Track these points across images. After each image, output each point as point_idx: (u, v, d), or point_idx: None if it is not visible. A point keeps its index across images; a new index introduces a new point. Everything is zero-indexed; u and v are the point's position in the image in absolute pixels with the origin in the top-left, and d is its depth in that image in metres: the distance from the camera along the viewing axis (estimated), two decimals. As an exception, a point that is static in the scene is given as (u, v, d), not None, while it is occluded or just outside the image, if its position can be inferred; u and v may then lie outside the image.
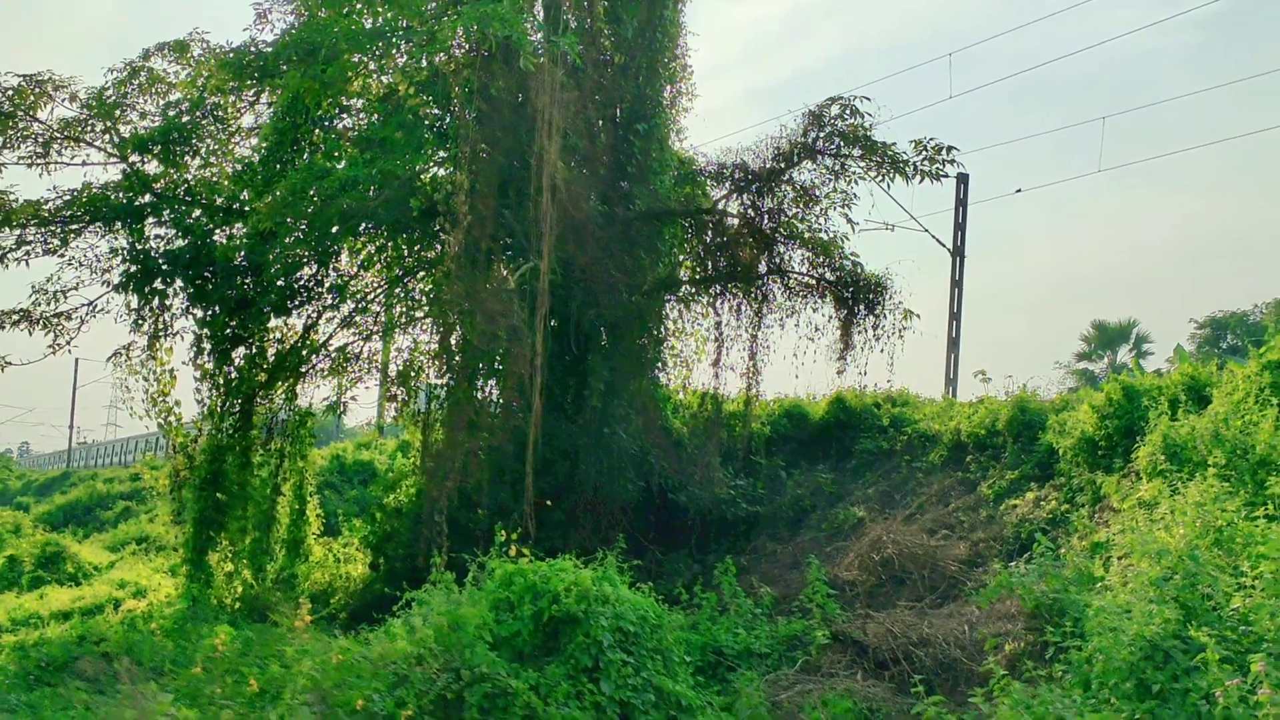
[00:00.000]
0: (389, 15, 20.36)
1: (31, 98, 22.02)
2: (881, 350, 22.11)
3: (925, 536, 18.19)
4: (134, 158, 22.46)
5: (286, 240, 20.78)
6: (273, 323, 23.44)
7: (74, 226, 22.53)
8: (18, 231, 22.10)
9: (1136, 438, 16.75)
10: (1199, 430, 15.26)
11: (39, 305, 22.71)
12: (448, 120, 21.55)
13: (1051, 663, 11.62)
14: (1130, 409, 17.68)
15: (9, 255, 22.14)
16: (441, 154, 21.43)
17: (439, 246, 22.09)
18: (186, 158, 22.88)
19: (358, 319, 24.26)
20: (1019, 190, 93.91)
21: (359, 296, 24.09)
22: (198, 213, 22.96)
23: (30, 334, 22.70)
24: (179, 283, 23.00)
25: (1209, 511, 11.74)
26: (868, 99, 21.60)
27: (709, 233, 23.16)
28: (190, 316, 23.18)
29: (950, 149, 21.37)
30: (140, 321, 23.00)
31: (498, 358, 19.95)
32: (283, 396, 24.20)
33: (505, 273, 20.35)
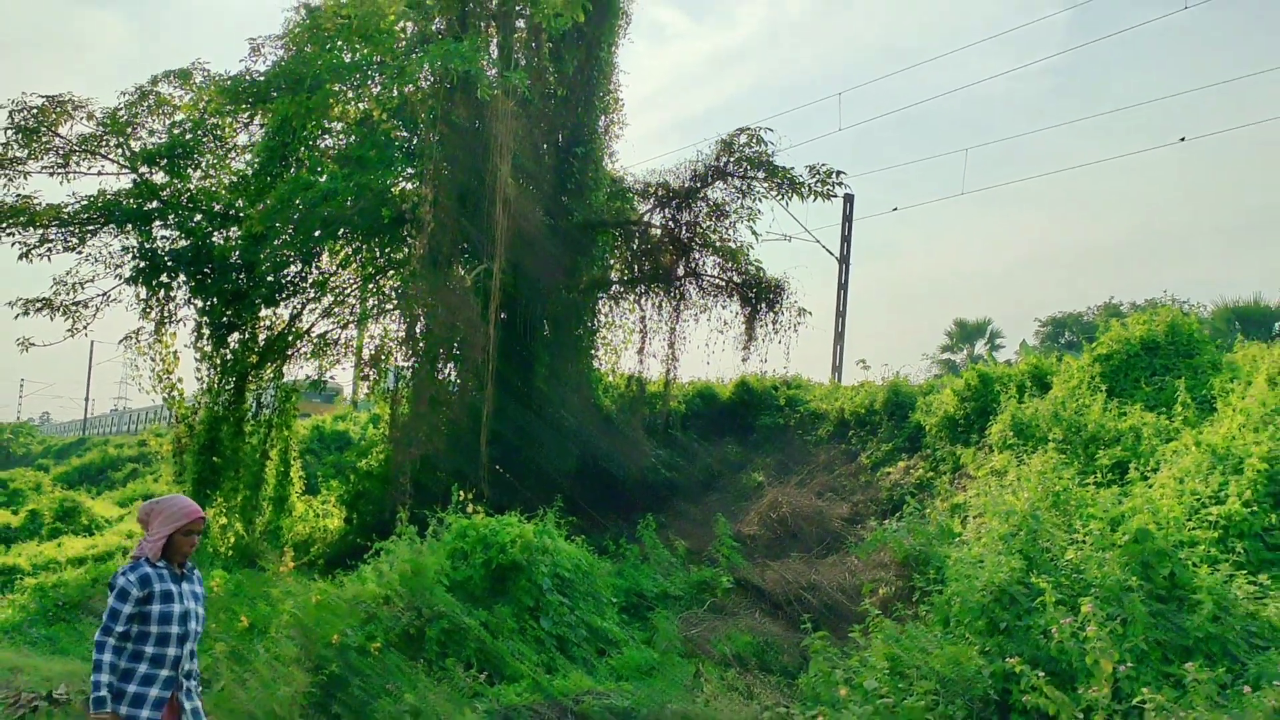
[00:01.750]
0: (365, 51, 20.28)
1: (53, 116, 21.81)
2: (779, 342, 22.38)
3: (814, 498, 18.33)
4: (143, 169, 22.26)
5: (275, 242, 20.67)
6: (263, 312, 23.18)
7: (90, 227, 22.28)
8: (41, 231, 21.93)
9: (989, 417, 16.98)
10: (1041, 411, 15.48)
11: (59, 295, 22.53)
12: (415, 141, 21.41)
13: (918, 604, 11.75)
14: (985, 393, 17.91)
15: (33, 251, 21.97)
16: (409, 170, 21.31)
17: (406, 249, 22.00)
18: (189, 170, 22.70)
19: (336, 310, 24.07)
20: (895, 209, 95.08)
21: (337, 291, 23.90)
22: (199, 217, 22.71)
23: (51, 319, 22.67)
24: (182, 277, 22.76)
25: (1049, 479, 11.83)
26: (770, 130, 21.82)
27: (635, 241, 23.18)
28: (191, 306, 22.96)
29: (838, 173, 21.68)
30: (148, 310, 22.79)
31: (456, 345, 19.85)
32: (271, 375, 23.97)
33: (463, 273, 20.28)
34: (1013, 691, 8.01)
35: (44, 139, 21.86)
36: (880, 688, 8.61)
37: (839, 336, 28.47)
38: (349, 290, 23.99)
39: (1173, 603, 8.75)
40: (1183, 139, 45.02)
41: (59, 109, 21.86)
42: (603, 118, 22.94)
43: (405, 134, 21.72)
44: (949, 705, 8.46)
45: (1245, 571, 9.61)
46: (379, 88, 20.99)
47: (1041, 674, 7.48)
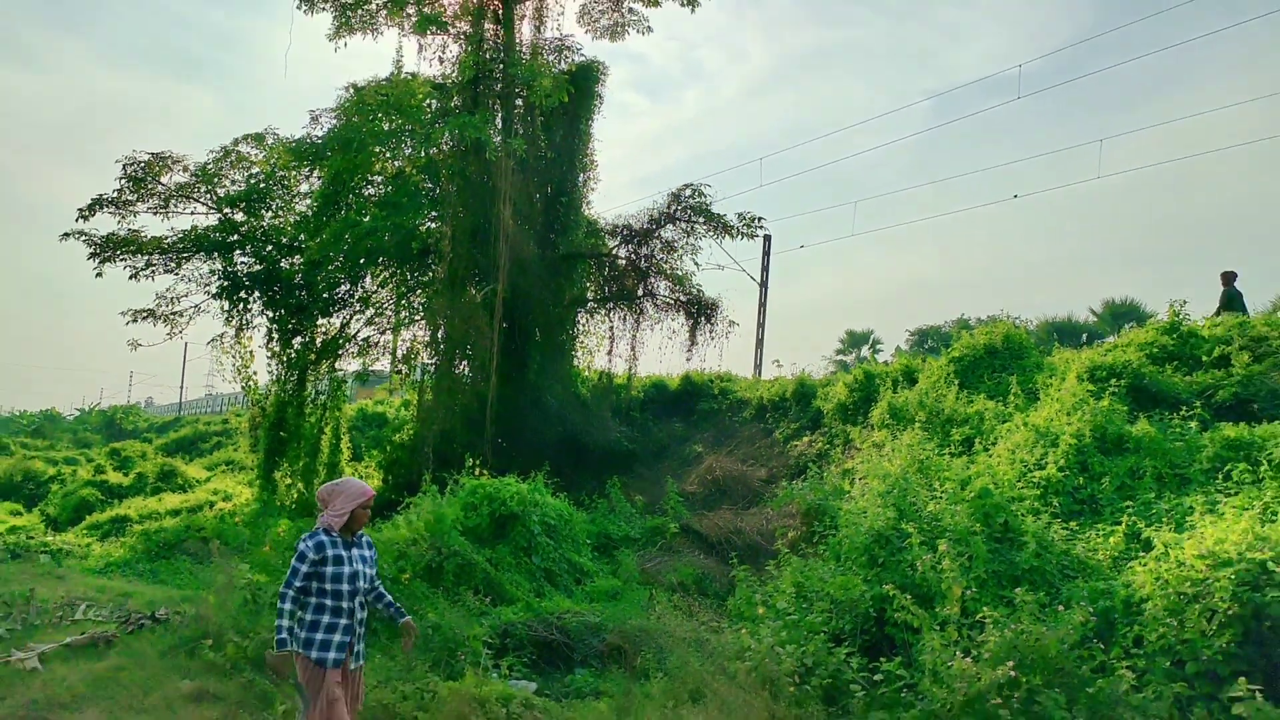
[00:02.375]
0: (400, 121, 20.19)
1: (156, 168, 21.58)
2: (715, 346, 22.79)
3: (740, 464, 18.41)
4: (226, 210, 22.08)
5: (329, 268, 20.58)
6: (320, 321, 23.01)
7: (185, 255, 22.08)
8: (146, 258, 21.66)
9: (872, 404, 17.06)
10: (910, 400, 15.57)
11: (160, 307, 22.34)
12: (437, 191, 21.32)
13: (817, 545, 11.79)
14: (868, 385, 18.01)
15: (140, 273, 21.68)
16: (433, 213, 21.22)
17: (430, 274, 21.90)
18: (262, 211, 22.53)
19: (376, 320, 23.85)
20: (802, 246, 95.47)
21: (377, 305, 23.70)
22: (270, 248, 22.51)
23: (154, 325, 22.40)
24: (256, 294, 22.57)
25: (915, 450, 11.94)
26: (709, 186, 21.95)
27: (606, 269, 23.19)
28: (264, 316, 22.77)
29: (760, 219, 21.95)
30: (230, 319, 22.61)
31: (469, 347, 19.82)
32: (326, 370, 23.77)
33: (474, 292, 20.22)
34: (887, 610, 8.06)
35: (149, 186, 21.59)
36: (789, 608, 8.68)
37: (759, 342, 28.60)
38: (386, 304, 23.82)
39: (1006, 543, 8.84)
40: (1016, 196, 45.50)
41: (161, 163, 21.62)
42: (582, 174, 22.92)
43: (430, 185, 21.61)
44: (840, 620, 8.53)
45: (1059, 520, 9.75)
46: (410, 149, 20.91)
47: (909, 597, 7.54)
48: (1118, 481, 10.40)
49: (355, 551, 5.41)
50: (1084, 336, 30.75)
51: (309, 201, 22.36)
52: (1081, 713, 6.23)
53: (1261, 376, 11.60)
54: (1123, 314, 32.45)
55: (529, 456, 19.66)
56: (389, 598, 5.72)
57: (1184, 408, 11.56)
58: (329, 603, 5.23)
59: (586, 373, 23.66)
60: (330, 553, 5.26)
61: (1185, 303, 13.71)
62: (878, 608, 8.39)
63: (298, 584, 5.19)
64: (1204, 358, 12.71)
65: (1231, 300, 15.91)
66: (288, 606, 5.15)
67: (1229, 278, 16.09)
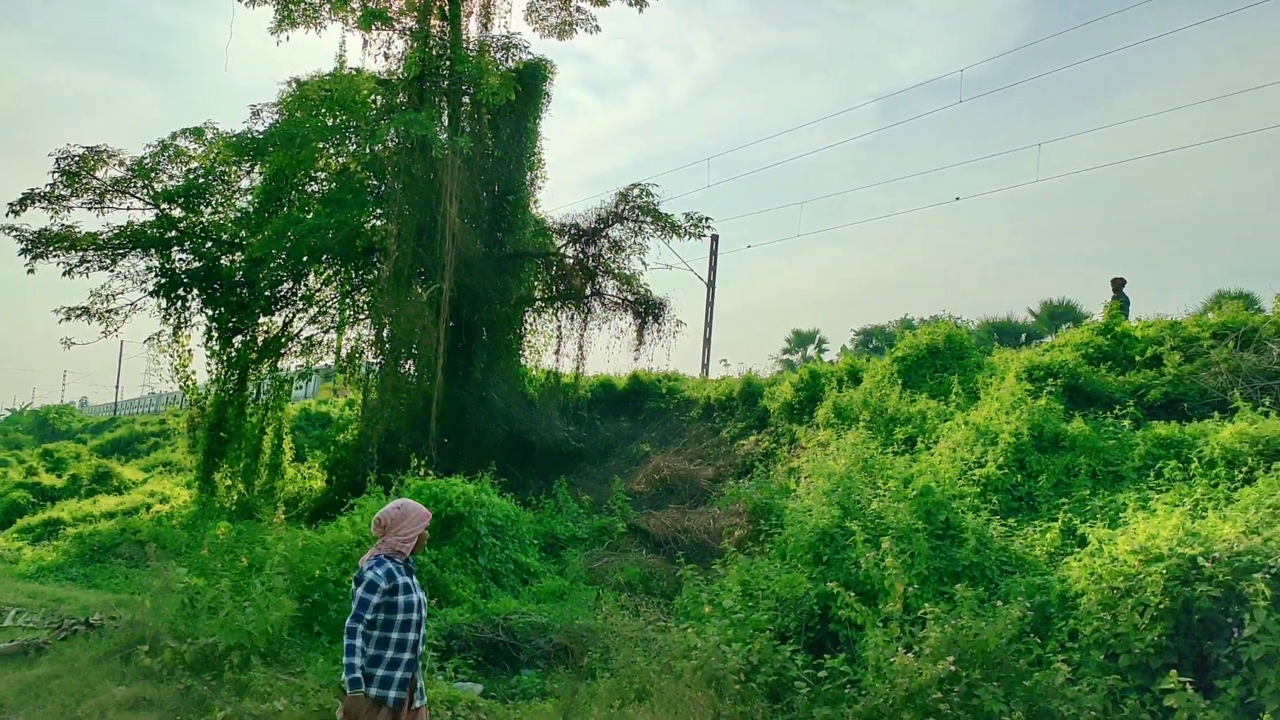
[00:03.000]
0: (344, 117, 19.92)
1: (91, 162, 20.96)
2: (662, 345, 22.88)
3: (687, 463, 18.45)
4: (164, 206, 21.52)
5: (272, 265, 20.21)
6: (261, 320, 22.54)
7: (120, 251, 21.47)
8: (80, 254, 21.05)
9: (817, 403, 17.19)
10: (855, 399, 15.73)
11: (95, 304, 21.65)
12: (383, 188, 21.05)
13: (763, 543, 11.85)
14: (814, 384, 18.14)
15: (74, 270, 21.09)
16: (378, 211, 20.94)
17: (376, 272, 21.61)
18: (201, 207, 21.98)
19: (320, 318, 23.47)
20: (749, 246, 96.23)
21: (321, 303, 23.33)
22: (209, 244, 22.01)
23: (89, 323, 21.72)
24: (195, 291, 22.03)
25: (860, 449, 12.04)
26: (656, 186, 22.06)
27: (553, 268, 23.13)
28: (203, 314, 22.22)
29: (707, 219, 22.07)
30: (168, 317, 22.02)
31: (414, 346, 19.61)
32: (268, 369, 23.34)
33: (420, 290, 20.03)
34: (831, 607, 8.15)
35: (84, 180, 21.00)
36: (735, 606, 8.71)
37: (707, 341, 28.71)
38: (330, 303, 23.47)
39: (947, 540, 9.00)
40: (958, 198, 46.27)
41: (96, 157, 21.03)
42: (529, 173, 22.81)
43: (375, 182, 21.33)
44: (785, 618, 8.60)
45: (998, 516, 9.94)
46: (355, 146, 20.64)
47: (853, 594, 7.63)
48: (1054, 479, 10.64)
49: (414, 578, 5.06)
50: (1023, 337, 31.39)
51: (250, 197, 21.92)
52: (1019, 705, 6.36)
53: (1191, 376, 11.94)
54: (1060, 314, 33.20)
55: (475, 456, 19.52)
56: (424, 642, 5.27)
57: (1117, 407, 11.85)
58: (395, 635, 4.81)
59: (534, 372, 23.56)
60: (400, 580, 4.86)
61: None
62: (822, 605, 8.48)
63: (368, 616, 4.73)
64: (1137, 358, 13.04)
65: (1120, 306, 16.58)
66: (359, 643, 4.69)
67: (1118, 284, 16.93)
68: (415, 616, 4.88)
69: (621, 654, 8.51)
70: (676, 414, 21.84)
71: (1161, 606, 6.59)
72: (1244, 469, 9.10)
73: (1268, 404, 10.53)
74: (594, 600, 11.63)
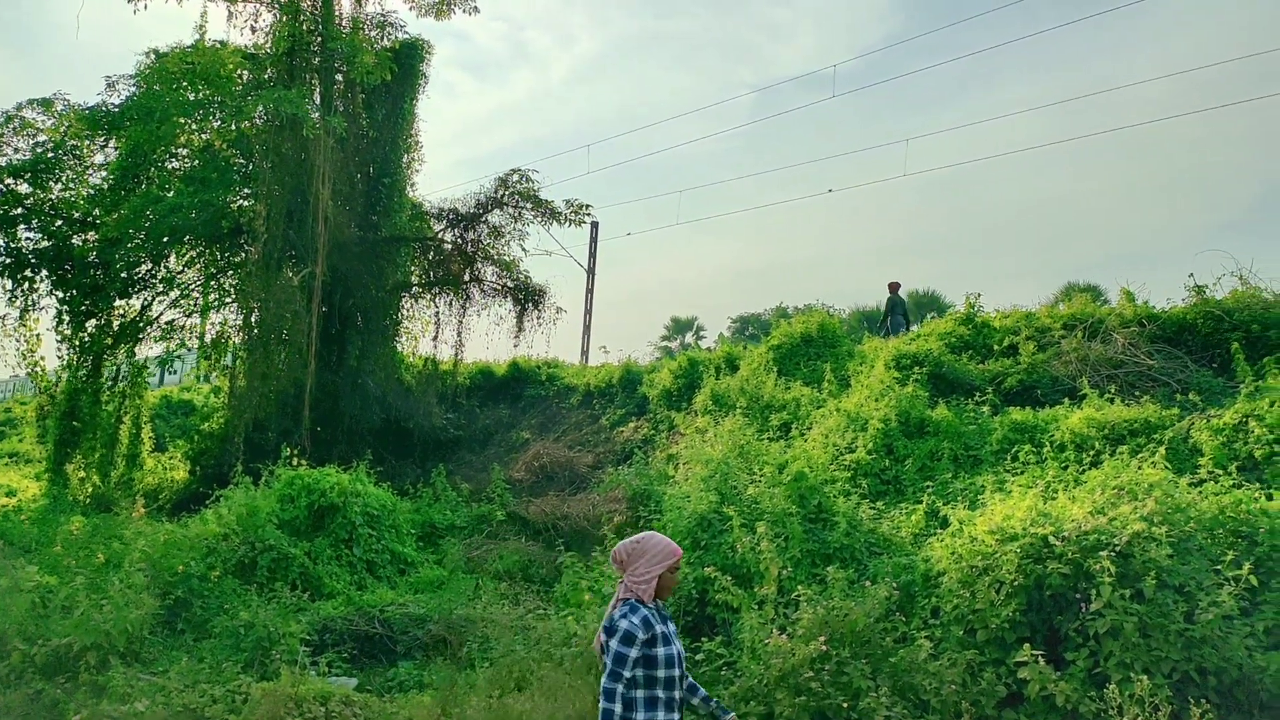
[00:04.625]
0: (207, 92, 19.00)
1: (-74, 131, 19.38)
2: (542, 332, 22.68)
3: (567, 450, 18.43)
4: (9, 180, 20.06)
5: (129, 245, 19.15)
6: (117, 303, 21.35)
7: (-41, 228, 19.97)
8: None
9: (696, 390, 17.39)
10: (732, 386, 15.99)
11: (-70, 285, 20.08)
12: (250, 167, 20.19)
13: (642, 529, 11.92)
14: (692, 371, 18.38)
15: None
16: (246, 190, 20.09)
17: (243, 254, 20.78)
18: (50, 183, 20.57)
19: (182, 302, 22.41)
20: (629, 234, 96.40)
21: (183, 286, 22.27)
22: (59, 223, 20.70)
23: (-77, 305, 20.13)
24: (44, 272, 20.70)
25: (736, 435, 12.20)
26: (537, 171, 21.96)
27: (431, 253, 22.72)
28: (54, 297, 20.92)
29: (587, 206, 22.03)
30: (14, 299, 20.64)
31: (285, 331, 18.94)
32: (124, 354, 22.15)
33: (291, 274, 19.34)
34: (709, 591, 8.30)
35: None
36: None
37: (587, 329, 28.72)
38: (193, 286, 22.42)
39: (819, 523, 9.26)
40: (830, 190, 47.58)
41: (-70, 126, 19.49)
42: (405, 155, 22.30)
43: (242, 160, 20.44)
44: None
45: (868, 500, 10.31)
46: (219, 122, 19.69)
47: (729, 578, 7.79)
48: (919, 463, 11.10)
49: (671, 626, 4.31)
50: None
51: (105, 174, 20.70)
52: (885, 681, 6.63)
53: (1044, 365, 12.63)
54: (925, 304, 34.56)
55: (350, 445, 19.04)
56: (697, 684, 4.57)
57: (977, 394, 12.43)
58: (660, 694, 4.11)
59: (411, 359, 23.12)
60: (657, 629, 4.15)
61: (980, 295, 14.78)
62: (700, 589, 8.62)
63: (627, 674, 4.04)
64: (995, 347, 13.71)
65: (895, 306, 18.52)
66: (618, 709, 4.00)
67: (894, 287, 18.58)
68: (676, 672, 4.17)
69: (501, 643, 8.47)
70: (556, 401, 21.79)
71: (1016, 584, 6.96)
72: (1091, 452, 9.69)
73: (1113, 391, 11.23)
74: (473, 589, 11.52)
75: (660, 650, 4.09)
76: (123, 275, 20.61)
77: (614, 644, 4.04)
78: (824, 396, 14.24)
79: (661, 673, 4.09)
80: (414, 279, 23.05)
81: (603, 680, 4.03)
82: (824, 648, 6.59)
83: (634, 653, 4.04)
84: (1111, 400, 10.80)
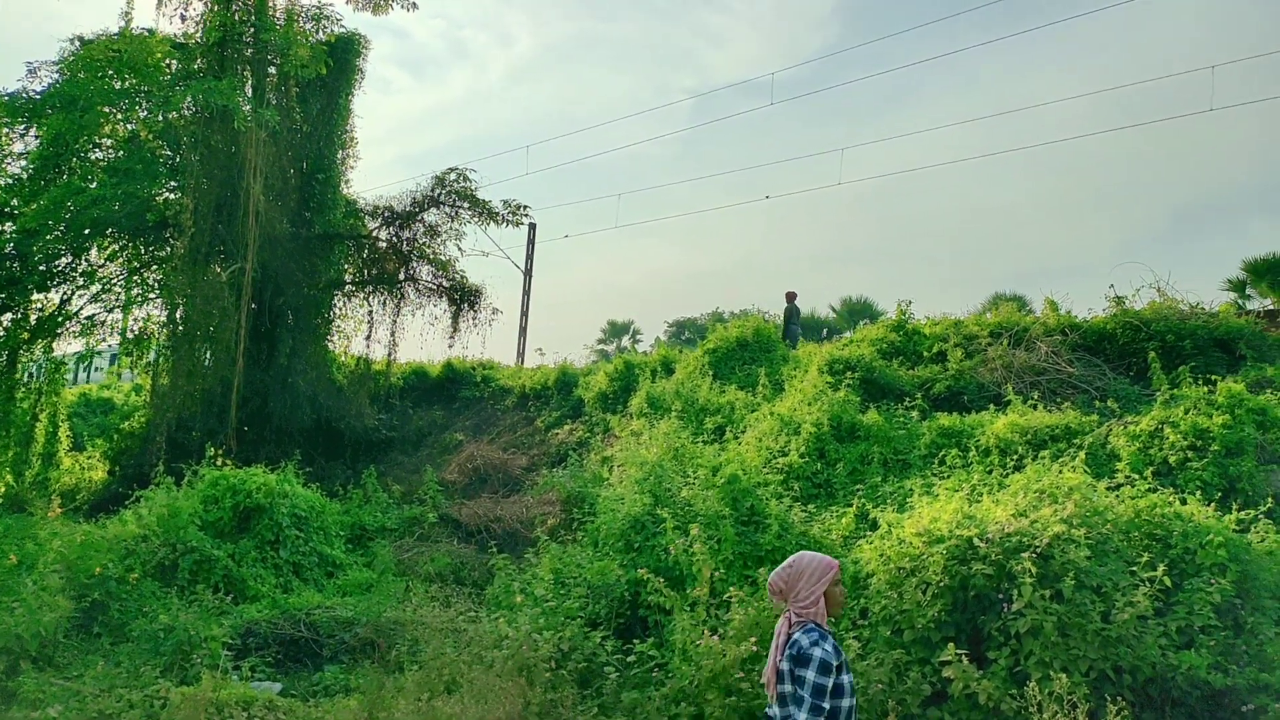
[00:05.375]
0: (134, 81, 18.47)
1: None
2: (478, 333, 22.78)
3: (501, 452, 18.30)
4: (-80, 167, 19.24)
5: (48, 237, 18.50)
6: (35, 296, 20.57)
7: None
8: None
9: (631, 392, 17.40)
10: (667, 389, 16.04)
11: None
12: (178, 159, 19.65)
13: (576, 531, 11.91)
14: (628, 375, 18.39)
15: None
16: (173, 183, 19.57)
17: (169, 249, 20.22)
18: (-35, 170, 19.78)
19: (104, 296, 21.70)
20: (567, 236, 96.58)
21: (105, 280, 21.55)
22: (-27, 212, 19.90)
23: None
24: (-45, 263, 19.87)
25: (671, 438, 12.24)
26: (474, 170, 21.75)
27: (365, 251, 22.42)
28: (-36, 289, 20.08)
29: (525, 207, 22.04)
30: (-77, 291, 19.77)
31: (211, 328, 18.48)
32: (42, 350, 21.38)
33: (219, 270, 18.90)
34: (641, 593, 8.30)
35: None
36: (546, 594, 8.74)
37: (523, 330, 28.59)
38: (116, 280, 21.72)
39: (752, 526, 9.32)
40: (768, 197, 48.10)
41: None
42: (340, 151, 21.97)
43: (169, 152, 19.87)
44: (596, 605, 8.70)
45: (800, 503, 10.41)
46: (146, 112, 19.18)
47: (662, 580, 7.80)
48: (850, 467, 11.25)
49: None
50: (825, 331, 33.01)
51: (24, 164, 19.95)
52: (814, 681, 6.68)
53: (971, 371, 12.91)
54: (858, 311, 35.06)
55: (278, 445, 18.65)
56: None
57: (907, 399, 12.66)
58: None
59: (343, 358, 22.76)
60: (843, 658, 3.86)
61: (910, 303, 15.06)
62: (633, 591, 8.63)
63: (828, 705, 3.68)
64: (925, 353, 13.99)
65: (792, 315, 19.46)
66: None
67: (791, 296, 19.56)
68: (853, 702, 3.85)
69: (431, 646, 8.36)
70: (491, 403, 21.62)
71: (941, 584, 7.10)
72: (1015, 457, 9.93)
73: (1036, 398, 11.53)
74: (403, 592, 11.36)
75: (845, 679, 3.82)
76: (41, 268, 19.88)
77: (810, 675, 3.69)
78: (758, 400, 14.35)
79: (846, 702, 3.79)
80: (347, 277, 22.71)
81: (800, 715, 3.67)
82: (755, 648, 6.63)
83: (830, 681, 3.71)
84: (1035, 406, 11.08)
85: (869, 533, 8.96)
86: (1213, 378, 10.47)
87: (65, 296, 21.14)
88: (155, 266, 21.20)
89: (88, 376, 33.91)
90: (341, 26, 21.32)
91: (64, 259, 20.36)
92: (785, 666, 3.79)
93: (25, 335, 20.71)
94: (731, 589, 7.51)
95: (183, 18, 19.82)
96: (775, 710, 3.85)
